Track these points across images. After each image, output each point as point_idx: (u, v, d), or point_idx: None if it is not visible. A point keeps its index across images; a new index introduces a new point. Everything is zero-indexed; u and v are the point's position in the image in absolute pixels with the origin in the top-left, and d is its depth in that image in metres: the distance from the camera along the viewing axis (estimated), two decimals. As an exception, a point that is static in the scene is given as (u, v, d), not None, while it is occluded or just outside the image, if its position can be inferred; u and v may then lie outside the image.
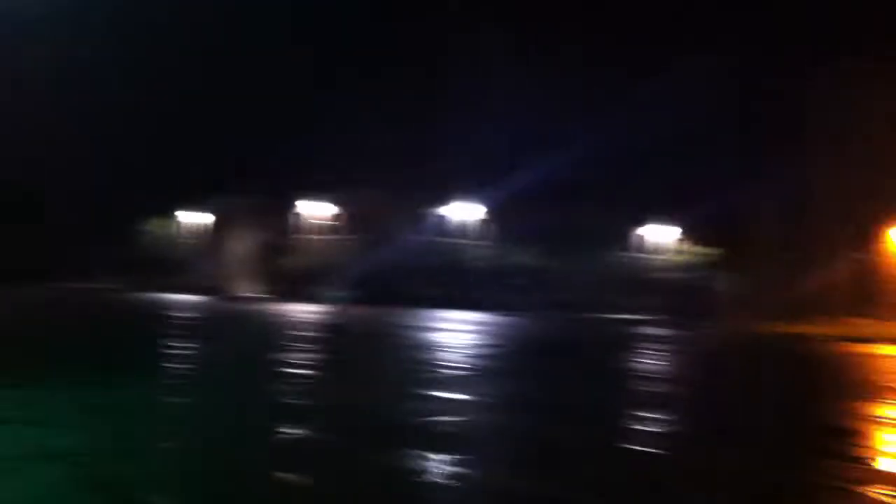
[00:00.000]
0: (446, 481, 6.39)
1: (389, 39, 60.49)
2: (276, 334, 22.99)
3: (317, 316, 32.26)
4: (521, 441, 8.58)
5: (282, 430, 8.35)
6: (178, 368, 13.26)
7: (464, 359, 17.70)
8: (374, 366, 15.65)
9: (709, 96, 52.09)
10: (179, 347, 17.15)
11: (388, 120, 55.21)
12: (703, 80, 50.04)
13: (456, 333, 26.77)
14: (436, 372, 14.39)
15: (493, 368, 16.54)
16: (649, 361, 19.70)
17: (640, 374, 16.51)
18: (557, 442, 8.45)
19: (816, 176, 39.89)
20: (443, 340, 23.26)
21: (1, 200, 56.99)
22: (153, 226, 66.02)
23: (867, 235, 38.82)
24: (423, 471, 6.65)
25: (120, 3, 53.31)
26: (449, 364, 15.92)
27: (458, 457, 7.10)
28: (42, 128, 56.52)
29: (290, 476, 6.36)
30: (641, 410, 10.71)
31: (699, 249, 60.72)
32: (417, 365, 15.73)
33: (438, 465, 6.88)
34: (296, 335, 22.52)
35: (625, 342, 27.16)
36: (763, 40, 51.85)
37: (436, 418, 9.22)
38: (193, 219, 66.42)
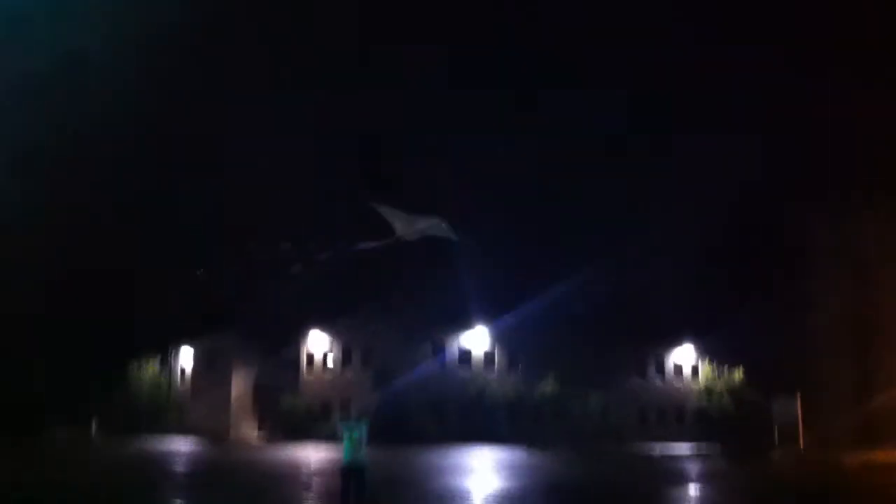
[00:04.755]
0: None
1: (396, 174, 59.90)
2: (290, 494, 21.07)
3: (327, 463, 30.21)
4: None
5: None
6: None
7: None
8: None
9: (731, 212, 51.46)
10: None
11: (392, 252, 54.35)
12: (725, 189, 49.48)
13: (490, 481, 24.76)
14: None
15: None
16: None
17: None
18: None
19: (875, 289, 38.35)
20: (479, 490, 21.31)
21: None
22: (144, 369, 64.23)
23: None
24: None
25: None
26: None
27: None
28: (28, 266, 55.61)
29: None
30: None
31: (733, 375, 58.44)
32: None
33: None
34: (310, 489, 20.62)
35: (700, 480, 25.00)
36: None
37: None
38: (186, 358, 64.69)
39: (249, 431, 58.45)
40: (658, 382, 60.42)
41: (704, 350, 60.79)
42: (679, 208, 50.68)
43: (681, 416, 59.51)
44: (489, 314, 51.84)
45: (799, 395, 42.07)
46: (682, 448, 45.44)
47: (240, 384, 59.72)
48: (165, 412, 62.32)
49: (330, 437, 42.69)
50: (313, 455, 35.65)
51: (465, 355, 53.17)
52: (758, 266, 52.30)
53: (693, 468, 30.77)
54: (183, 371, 65.18)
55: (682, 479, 25.90)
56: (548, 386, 52.17)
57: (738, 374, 58.03)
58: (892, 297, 37.86)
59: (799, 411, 41.88)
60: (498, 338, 53.69)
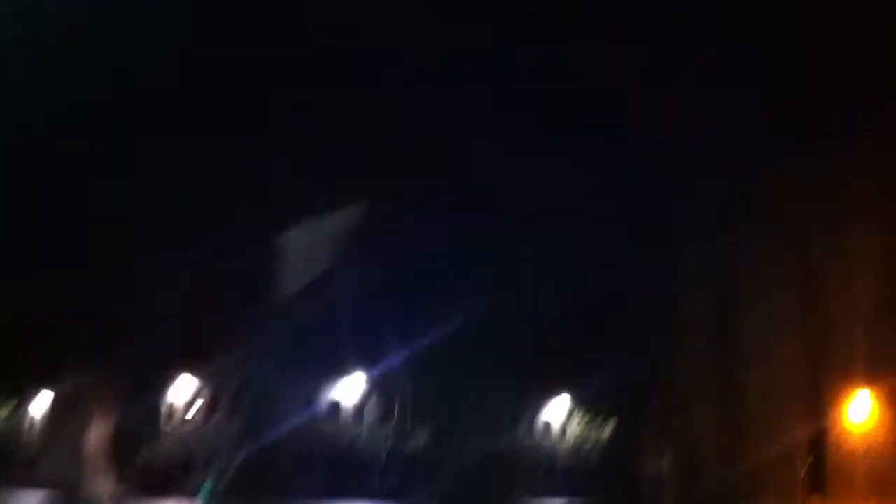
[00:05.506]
0: None
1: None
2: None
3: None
4: None
5: None
6: None
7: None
8: None
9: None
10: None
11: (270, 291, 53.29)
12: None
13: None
14: None
15: None
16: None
17: None
18: None
19: (753, 339, 39.25)
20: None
21: None
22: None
23: (821, 406, 37.77)
24: None
25: None
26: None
27: None
28: None
29: None
30: None
31: (606, 427, 59.52)
32: None
33: None
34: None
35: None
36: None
37: None
38: (41, 403, 61.77)
39: (107, 485, 55.87)
40: (531, 437, 60.96)
41: (580, 402, 61.76)
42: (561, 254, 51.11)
43: (551, 471, 60.09)
44: (365, 360, 51.39)
45: (667, 454, 43.08)
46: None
47: (98, 433, 57.16)
48: (15, 463, 59.20)
49: (191, 492, 41.29)
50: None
51: (337, 405, 52.59)
52: (630, 318, 53.04)
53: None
54: (37, 417, 62.20)
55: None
56: (420, 439, 51.98)
57: (608, 429, 59.09)
58: (758, 357, 39.15)
59: (666, 470, 42.86)
60: (372, 385, 53.31)
